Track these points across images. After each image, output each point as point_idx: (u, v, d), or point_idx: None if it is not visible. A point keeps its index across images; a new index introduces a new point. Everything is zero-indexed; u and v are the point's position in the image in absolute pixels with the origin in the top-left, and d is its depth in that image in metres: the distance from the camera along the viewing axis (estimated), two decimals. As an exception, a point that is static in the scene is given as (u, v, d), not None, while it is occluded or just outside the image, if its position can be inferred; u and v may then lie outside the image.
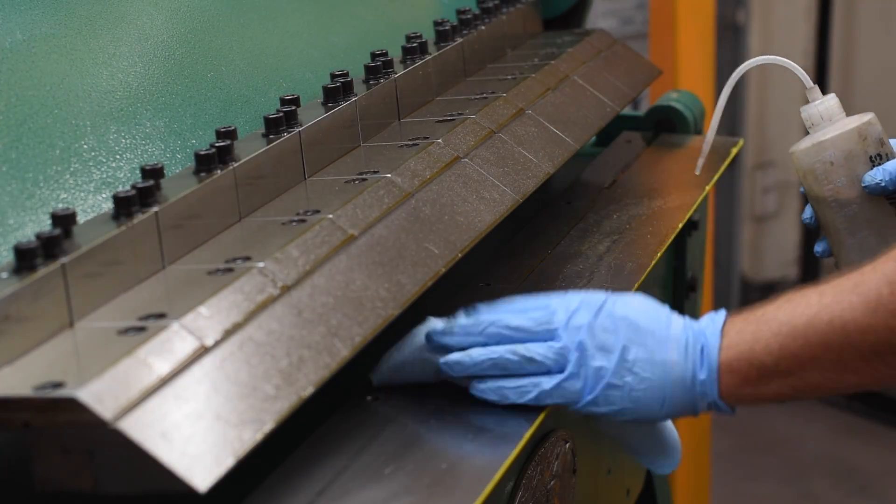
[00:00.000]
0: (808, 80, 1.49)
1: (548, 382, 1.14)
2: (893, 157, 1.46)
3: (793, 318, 1.13)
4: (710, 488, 3.20)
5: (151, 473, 0.88)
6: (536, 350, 1.15)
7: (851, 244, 1.47)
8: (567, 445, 1.27)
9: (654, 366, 1.14)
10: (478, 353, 1.16)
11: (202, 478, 0.89)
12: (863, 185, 1.44)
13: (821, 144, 1.45)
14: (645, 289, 1.51)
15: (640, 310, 1.17)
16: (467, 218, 1.32)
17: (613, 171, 1.85)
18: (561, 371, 1.14)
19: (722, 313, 1.17)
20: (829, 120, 1.47)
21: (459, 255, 1.27)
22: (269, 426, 0.95)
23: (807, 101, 1.49)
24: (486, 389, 1.16)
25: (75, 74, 1.24)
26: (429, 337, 1.18)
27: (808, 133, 1.49)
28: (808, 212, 1.51)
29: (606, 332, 1.14)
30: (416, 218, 1.26)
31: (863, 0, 4.48)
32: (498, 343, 1.17)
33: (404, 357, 1.19)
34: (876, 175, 1.42)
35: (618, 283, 1.46)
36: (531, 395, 1.14)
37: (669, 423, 1.27)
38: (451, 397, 1.21)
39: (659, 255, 1.56)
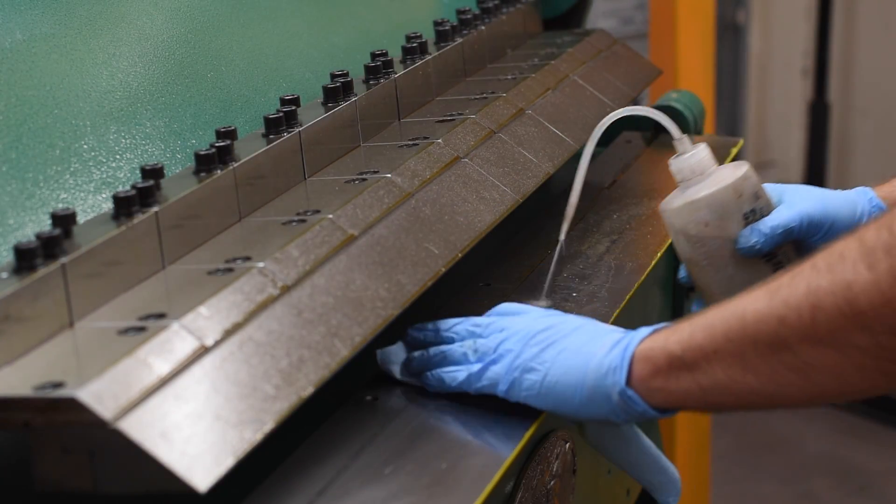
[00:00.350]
0: (676, 131, 1.37)
1: (475, 367, 1.19)
2: (769, 210, 1.37)
3: (708, 312, 1.10)
4: (710, 488, 3.19)
5: (151, 473, 0.88)
6: (484, 338, 1.21)
7: None
8: (567, 445, 1.27)
9: (577, 355, 1.14)
10: (423, 352, 1.24)
11: (202, 478, 0.89)
12: (737, 248, 1.36)
13: (694, 203, 1.35)
14: (645, 289, 1.51)
15: (580, 322, 1.19)
16: (467, 218, 1.32)
17: (613, 171, 1.85)
18: (486, 361, 1.19)
19: (655, 327, 1.15)
20: (702, 174, 1.36)
21: (459, 255, 1.27)
22: (269, 426, 0.95)
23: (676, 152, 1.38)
24: (430, 376, 1.22)
25: (75, 74, 1.24)
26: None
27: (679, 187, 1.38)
28: (682, 271, 1.45)
29: (538, 333, 1.18)
30: (416, 218, 1.26)
31: (863, 0, 4.49)
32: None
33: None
34: (751, 237, 1.35)
35: (618, 283, 1.46)
36: (461, 379, 1.19)
37: (663, 457, 1.26)
38: (451, 397, 1.21)
39: (659, 255, 1.56)
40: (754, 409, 1.11)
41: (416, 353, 1.23)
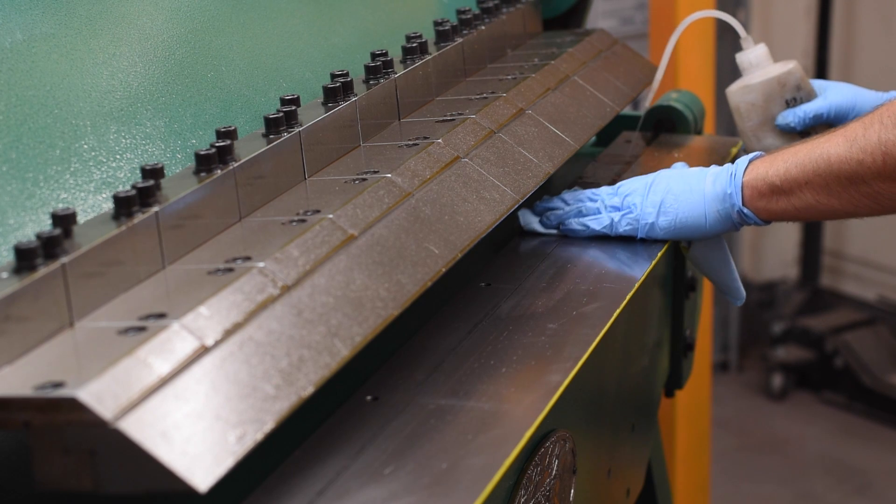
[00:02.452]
0: (741, 31, 1.82)
1: (617, 215, 1.58)
2: (809, 99, 1.77)
3: (798, 153, 1.51)
4: (710, 488, 3.20)
5: (151, 473, 0.88)
6: (607, 198, 1.60)
7: None
8: (567, 445, 1.27)
9: (693, 192, 1.56)
10: (567, 204, 1.62)
11: (202, 478, 0.89)
12: (776, 124, 1.77)
13: (746, 87, 1.78)
14: (645, 289, 1.52)
15: (678, 170, 1.62)
16: (467, 218, 1.32)
17: (613, 171, 1.85)
18: (622, 212, 1.58)
19: (756, 154, 1.57)
20: (759, 66, 1.79)
21: (459, 255, 1.27)
22: (269, 426, 0.95)
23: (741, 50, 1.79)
24: (574, 223, 1.60)
25: (75, 74, 1.24)
26: (536, 207, 1.65)
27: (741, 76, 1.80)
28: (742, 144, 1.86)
29: (651, 185, 1.58)
30: (417, 218, 1.26)
31: (863, 0, 4.49)
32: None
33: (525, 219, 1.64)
34: (787, 117, 1.78)
35: (618, 283, 1.46)
36: (605, 223, 1.58)
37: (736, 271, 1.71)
38: (452, 397, 1.21)
39: (659, 255, 1.56)
40: (832, 219, 1.61)
41: (555, 209, 1.61)
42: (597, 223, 1.58)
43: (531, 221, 1.62)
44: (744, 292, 1.75)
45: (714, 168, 1.58)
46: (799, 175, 1.49)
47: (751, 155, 1.56)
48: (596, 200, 1.60)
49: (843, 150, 1.45)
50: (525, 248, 1.58)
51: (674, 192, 1.57)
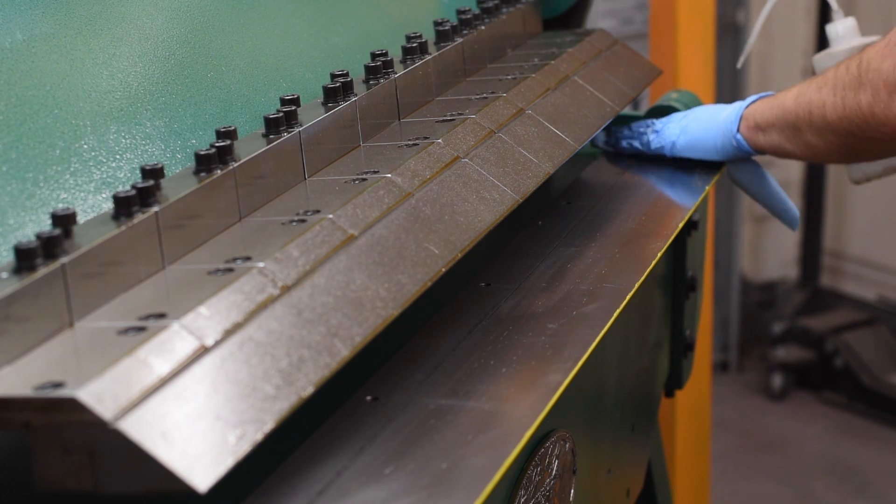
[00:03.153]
0: (833, 3, 1.95)
1: (654, 136, 1.88)
2: None
3: (777, 97, 1.76)
4: (710, 488, 3.20)
5: (151, 473, 0.88)
6: (657, 125, 1.90)
7: None
8: (567, 445, 1.27)
9: (710, 119, 1.84)
10: (629, 129, 1.94)
11: (202, 478, 0.89)
12: None
13: (831, 55, 1.90)
14: (645, 289, 1.52)
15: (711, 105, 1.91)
16: (467, 218, 1.32)
17: (614, 171, 1.85)
18: (661, 131, 1.89)
19: (765, 94, 1.81)
20: (845, 38, 1.91)
21: (459, 255, 1.27)
22: (269, 426, 0.95)
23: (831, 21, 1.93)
24: (625, 142, 1.92)
25: (75, 74, 1.24)
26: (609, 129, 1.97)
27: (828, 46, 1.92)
28: None
29: (683, 117, 1.88)
30: (416, 218, 1.26)
31: (863, 0, 4.49)
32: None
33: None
34: None
35: (618, 283, 1.46)
36: (644, 141, 1.90)
37: (786, 196, 1.91)
38: (451, 397, 1.21)
39: (659, 255, 1.56)
40: (798, 160, 1.92)
41: (619, 131, 1.93)
42: (638, 142, 1.90)
43: (598, 137, 1.94)
44: (797, 212, 1.93)
45: (737, 102, 1.83)
46: (769, 117, 1.76)
47: (762, 94, 1.81)
48: (649, 126, 1.90)
49: (791, 101, 1.72)
50: (525, 248, 1.58)
51: (698, 118, 1.86)
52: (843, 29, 1.93)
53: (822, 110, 1.67)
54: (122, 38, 1.32)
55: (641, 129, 1.92)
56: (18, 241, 0.98)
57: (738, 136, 1.79)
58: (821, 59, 1.92)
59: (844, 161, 1.82)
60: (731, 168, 1.89)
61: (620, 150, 1.93)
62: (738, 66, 2.20)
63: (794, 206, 1.92)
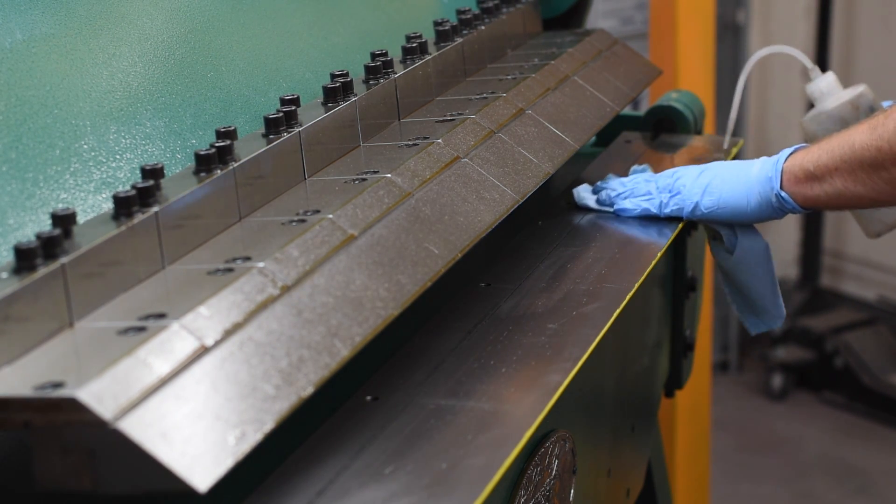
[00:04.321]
0: (808, 62, 1.83)
1: (664, 197, 1.66)
2: None
3: (831, 141, 1.59)
4: (710, 488, 3.20)
5: (151, 473, 0.88)
6: (661, 181, 1.68)
7: None
8: (567, 445, 1.27)
9: (738, 176, 1.64)
10: (622, 184, 1.70)
11: (202, 478, 0.89)
12: None
13: (821, 115, 1.79)
14: (645, 288, 1.52)
15: (731, 161, 1.71)
16: (467, 218, 1.32)
17: (613, 171, 1.85)
18: (671, 194, 1.67)
19: (801, 145, 1.64)
20: (829, 94, 1.80)
21: (459, 255, 1.27)
22: (269, 426, 0.95)
23: (809, 80, 1.81)
24: (627, 203, 1.67)
25: (75, 74, 1.24)
26: (596, 186, 1.73)
27: (812, 107, 1.81)
28: None
29: (702, 172, 1.67)
30: (416, 218, 1.26)
31: (863, 0, 4.49)
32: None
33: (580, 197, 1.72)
34: None
35: (618, 283, 1.46)
36: (655, 203, 1.66)
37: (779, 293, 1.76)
38: (451, 397, 1.21)
39: (659, 255, 1.56)
40: (861, 207, 1.68)
41: (608, 190, 1.69)
42: (648, 202, 1.67)
43: (586, 198, 1.70)
44: (784, 311, 1.77)
45: (763, 158, 1.67)
46: (829, 161, 1.57)
47: (796, 146, 1.64)
48: (651, 182, 1.68)
49: (865, 137, 1.54)
50: (525, 248, 1.58)
51: (721, 176, 1.66)
52: (825, 86, 1.81)
53: None
54: (122, 38, 1.32)
55: (643, 186, 1.68)
56: (18, 241, 0.98)
57: (783, 194, 1.61)
58: (810, 119, 1.80)
59: None
60: (719, 255, 1.73)
61: (622, 213, 1.69)
62: (725, 147, 1.94)
63: (782, 304, 1.77)
